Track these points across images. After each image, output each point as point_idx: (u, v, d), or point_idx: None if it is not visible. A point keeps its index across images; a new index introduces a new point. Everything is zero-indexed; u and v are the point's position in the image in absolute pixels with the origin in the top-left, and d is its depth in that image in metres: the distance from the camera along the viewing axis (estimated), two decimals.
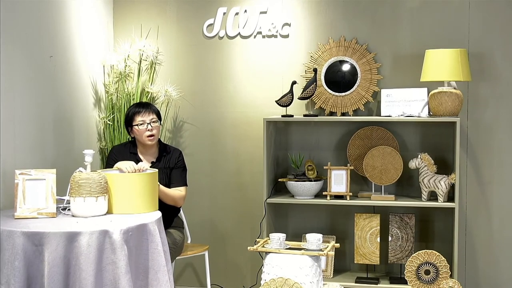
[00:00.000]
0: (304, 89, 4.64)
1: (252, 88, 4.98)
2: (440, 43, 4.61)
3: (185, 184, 4.25)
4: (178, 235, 4.18)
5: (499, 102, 4.66)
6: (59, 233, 3.16)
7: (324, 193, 4.61)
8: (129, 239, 3.28)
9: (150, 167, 4.13)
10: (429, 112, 4.57)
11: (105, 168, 4.16)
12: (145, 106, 4.21)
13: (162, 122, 4.48)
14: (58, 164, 4.14)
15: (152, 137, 4.15)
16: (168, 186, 4.19)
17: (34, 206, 3.50)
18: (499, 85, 4.65)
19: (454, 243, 4.39)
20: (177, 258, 4.25)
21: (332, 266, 4.70)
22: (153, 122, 4.16)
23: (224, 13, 4.96)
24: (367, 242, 4.63)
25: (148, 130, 4.13)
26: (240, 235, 5.03)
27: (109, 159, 4.18)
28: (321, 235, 3.79)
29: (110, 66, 4.91)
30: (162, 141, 4.36)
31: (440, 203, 4.45)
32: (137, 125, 4.13)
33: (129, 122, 4.18)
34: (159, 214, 3.61)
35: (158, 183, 3.88)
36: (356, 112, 4.79)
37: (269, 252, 3.74)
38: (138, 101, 4.66)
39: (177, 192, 4.16)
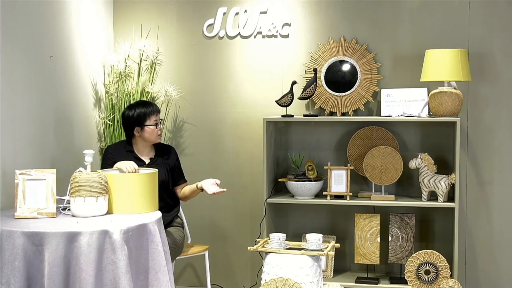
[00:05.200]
0: (304, 89, 4.64)
1: (252, 88, 4.98)
2: (440, 43, 4.61)
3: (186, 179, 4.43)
4: (178, 235, 4.19)
5: (499, 102, 4.66)
6: (59, 233, 3.16)
7: (324, 193, 4.61)
8: (129, 239, 3.28)
9: (149, 163, 4.17)
10: (429, 112, 4.57)
11: (103, 168, 4.16)
12: (154, 105, 4.25)
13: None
14: (58, 164, 4.14)
15: (161, 136, 4.26)
16: (169, 181, 4.25)
17: (34, 206, 3.49)
18: (499, 85, 4.66)
19: (454, 243, 4.39)
20: (177, 258, 4.26)
21: (332, 266, 4.70)
22: (161, 121, 4.27)
23: (224, 13, 4.96)
24: (367, 242, 4.63)
25: (159, 129, 4.19)
26: (240, 235, 5.03)
27: (105, 159, 4.18)
28: (321, 235, 3.79)
29: (110, 66, 4.90)
30: None
31: (440, 203, 4.45)
32: (153, 125, 4.16)
33: (140, 121, 4.17)
34: (159, 214, 3.61)
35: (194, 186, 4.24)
36: (356, 112, 4.79)
37: (269, 252, 3.75)
38: (139, 100, 4.64)
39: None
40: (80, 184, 3.47)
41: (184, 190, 4.31)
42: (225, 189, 4.13)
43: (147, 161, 4.20)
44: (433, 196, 4.53)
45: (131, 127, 4.19)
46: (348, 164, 4.72)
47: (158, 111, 4.24)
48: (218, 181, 4.14)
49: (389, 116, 4.61)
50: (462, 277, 4.67)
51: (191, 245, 4.60)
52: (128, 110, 4.21)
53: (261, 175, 4.68)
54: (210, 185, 4.12)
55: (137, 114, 4.17)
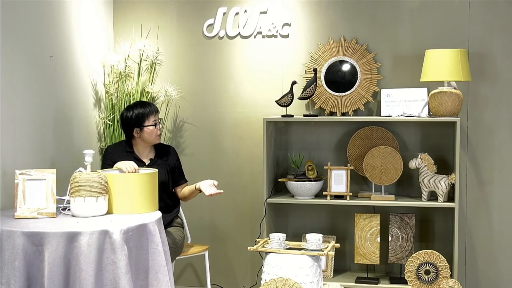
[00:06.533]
0: (304, 89, 4.64)
1: (252, 88, 4.98)
2: (440, 43, 4.61)
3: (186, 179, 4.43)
4: (178, 235, 4.19)
5: (499, 102, 4.66)
6: (59, 233, 3.16)
7: (324, 193, 4.61)
8: (129, 239, 3.28)
9: (149, 164, 4.17)
10: (429, 112, 4.57)
11: (102, 168, 4.16)
12: (152, 105, 4.24)
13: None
14: (58, 164, 4.14)
15: (160, 136, 4.24)
16: (169, 182, 4.26)
17: (34, 206, 3.49)
18: (499, 85, 4.66)
19: (454, 243, 4.39)
20: (177, 258, 4.26)
21: (332, 266, 4.70)
22: (160, 121, 4.25)
23: (224, 13, 4.96)
24: (367, 242, 4.63)
25: (158, 129, 4.18)
26: (240, 235, 5.03)
27: (105, 159, 4.18)
28: (321, 235, 3.79)
29: (110, 66, 4.90)
30: None
31: (440, 203, 4.45)
32: (152, 125, 4.15)
33: (139, 122, 4.17)
34: (159, 214, 3.61)
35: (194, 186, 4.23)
36: (356, 112, 4.79)
37: (269, 252, 3.74)
38: (137, 101, 4.64)
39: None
40: (80, 184, 3.47)
41: (184, 190, 4.31)
42: (222, 191, 4.13)
43: (147, 162, 4.20)
44: (433, 196, 4.53)
45: (130, 128, 4.19)
46: (348, 164, 4.72)
47: (156, 111, 4.23)
48: (216, 183, 4.14)
49: (389, 116, 4.61)
50: (462, 277, 4.67)
51: (191, 245, 4.60)
52: (127, 112, 4.20)
53: (261, 175, 4.68)
54: (208, 187, 4.12)
55: (135, 115, 4.16)
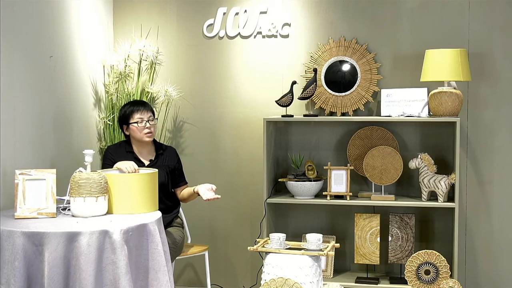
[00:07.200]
0: (304, 89, 4.64)
1: (252, 88, 4.98)
2: (440, 43, 4.61)
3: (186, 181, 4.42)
4: (178, 235, 4.19)
5: (499, 102, 4.66)
6: (59, 233, 3.16)
7: (324, 193, 4.61)
8: (129, 239, 3.28)
9: (149, 165, 4.16)
10: (429, 112, 4.57)
11: (102, 168, 4.16)
12: (142, 104, 4.24)
13: (160, 122, 4.54)
14: (58, 164, 4.14)
15: (150, 134, 4.19)
16: (169, 184, 4.25)
17: (34, 206, 3.49)
18: (499, 85, 4.66)
19: (454, 243, 4.39)
20: (177, 258, 4.26)
21: (332, 266, 4.70)
22: (151, 120, 4.20)
23: (224, 13, 4.96)
24: (367, 242, 4.63)
25: (147, 128, 4.15)
26: (240, 235, 5.03)
27: (105, 159, 4.18)
28: (321, 235, 3.79)
29: (110, 66, 4.90)
30: (157, 140, 4.41)
31: (440, 203, 4.45)
32: (135, 122, 4.15)
33: (125, 120, 4.19)
34: (159, 214, 3.61)
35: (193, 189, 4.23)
36: (356, 112, 4.79)
37: (269, 252, 3.74)
38: (133, 100, 4.65)
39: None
40: (80, 184, 3.47)
41: (183, 192, 4.31)
42: (219, 196, 4.11)
43: (146, 162, 4.20)
44: (433, 196, 4.53)
45: (121, 126, 4.25)
46: (348, 164, 4.72)
47: (145, 109, 4.20)
48: (214, 187, 4.13)
49: (389, 116, 4.61)
50: (462, 277, 4.67)
51: (191, 245, 4.60)
52: (120, 110, 4.26)
53: (261, 175, 4.68)
54: (206, 191, 4.11)
55: (123, 112, 4.22)
